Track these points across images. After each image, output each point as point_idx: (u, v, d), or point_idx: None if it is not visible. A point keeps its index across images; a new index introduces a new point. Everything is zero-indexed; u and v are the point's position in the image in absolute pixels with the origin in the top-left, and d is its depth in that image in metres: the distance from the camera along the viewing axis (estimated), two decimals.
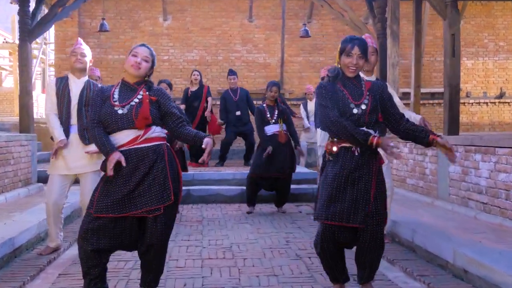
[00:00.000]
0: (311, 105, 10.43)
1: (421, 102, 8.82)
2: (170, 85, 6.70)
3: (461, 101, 11.80)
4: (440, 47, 12.41)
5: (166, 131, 3.35)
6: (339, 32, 12.43)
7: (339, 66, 3.24)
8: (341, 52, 3.20)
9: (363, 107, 3.17)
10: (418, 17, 8.02)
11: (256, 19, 12.31)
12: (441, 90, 12.44)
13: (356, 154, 3.15)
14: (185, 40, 12.12)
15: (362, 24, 8.52)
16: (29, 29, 7.51)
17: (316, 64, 12.38)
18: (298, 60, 12.41)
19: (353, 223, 3.10)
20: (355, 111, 3.15)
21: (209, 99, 9.34)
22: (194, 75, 9.44)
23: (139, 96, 3.23)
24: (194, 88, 9.48)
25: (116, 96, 3.27)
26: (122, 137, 3.18)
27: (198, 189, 7.70)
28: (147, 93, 3.24)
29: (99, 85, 4.19)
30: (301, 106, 10.56)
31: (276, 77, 12.17)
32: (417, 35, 8.03)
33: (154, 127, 3.22)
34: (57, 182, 4.33)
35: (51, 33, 17.34)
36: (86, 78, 4.46)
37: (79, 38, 4.68)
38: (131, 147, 3.16)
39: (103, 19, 10.40)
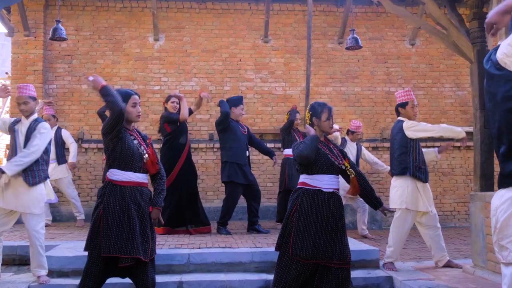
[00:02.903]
0: (352, 148, 7.74)
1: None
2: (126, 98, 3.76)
3: None
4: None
5: None
6: (379, 55, 9.76)
7: None
8: None
9: None
10: None
11: (273, 39, 9.64)
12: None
13: None
14: (181, 65, 9.43)
15: (449, 22, 5.61)
16: None
17: (350, 95, 9.63)
18: (327, 90, 9.66)
19: None
20: None
21: None
22: (172, 102, 6.87)
23: None
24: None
25: None
26: None
27: (196, 280, 4.79)
28: None
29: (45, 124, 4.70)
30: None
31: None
32: None
33: None
34: None
35: None
36: (34, 117, 4.74)
37: (21, 87, 4.70)
38: None
39: (58, 21, 7.64)
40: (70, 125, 9.05)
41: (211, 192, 9.22)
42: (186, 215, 6.76)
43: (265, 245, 5.69)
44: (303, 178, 3.86)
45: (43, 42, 9.06)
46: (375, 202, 3.91)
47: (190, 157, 7.06)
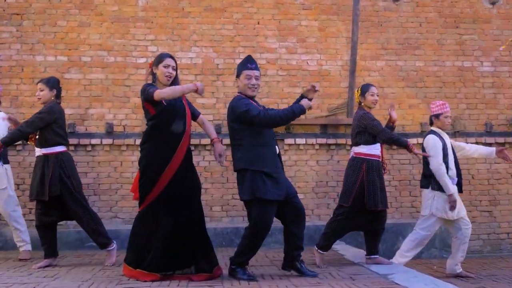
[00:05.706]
0: (447, 139, 5.13)
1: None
2: None
3: None
4: None
5: None
6: (448, 18, 7.21)
7: None
8: None
9: None
10: None
11: None
12: None
13: None
14: (176, 30, 6.81)
15: None
16: None
17: (409, 72, 7.01)
18: (377, 66, 7.05)
19: None
20: None
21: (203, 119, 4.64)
22: (166, 66, 4.19)
23: None
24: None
25: None
26: None
27: None
28: None
29: None
30: (430, 142, 5.10)
31: (341, 95, 6.83)
32: None
33: None
34: None
35: None
36: None
37: None
38: None
39: None
40: (19, 112, 6.41)
41: (218, 208, 6.57)
42: (184, 253, 4.05)
43: None
44: None
45: None
46: None
47: (191, 159, 4.31)
